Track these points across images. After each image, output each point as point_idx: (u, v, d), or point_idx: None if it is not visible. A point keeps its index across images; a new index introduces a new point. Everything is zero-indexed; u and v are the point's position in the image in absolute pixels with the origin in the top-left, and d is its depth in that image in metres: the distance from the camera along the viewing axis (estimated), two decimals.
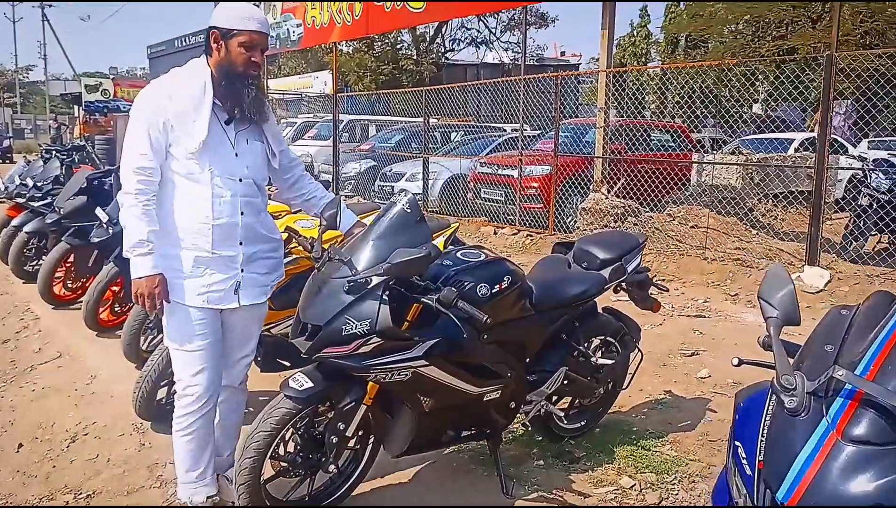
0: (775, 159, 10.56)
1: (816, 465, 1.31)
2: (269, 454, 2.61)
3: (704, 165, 10.10)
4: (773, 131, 13.47)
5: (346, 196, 12.44)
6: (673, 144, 11.07)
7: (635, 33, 28.11)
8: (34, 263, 6.74)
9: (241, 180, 2.67)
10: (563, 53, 36.30)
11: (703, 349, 5.04)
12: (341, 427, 2.68)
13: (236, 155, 2.67)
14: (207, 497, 2.76)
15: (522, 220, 9.55)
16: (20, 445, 3.66)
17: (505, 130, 13.55)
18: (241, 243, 2.70)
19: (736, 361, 1.69)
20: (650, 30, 27.95)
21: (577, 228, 8.87)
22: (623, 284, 3.57)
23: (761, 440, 1.43)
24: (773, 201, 9.93)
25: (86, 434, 3.72)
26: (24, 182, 7.25)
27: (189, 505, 2.77)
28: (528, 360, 3.15)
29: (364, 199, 12.49)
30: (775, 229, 9.07)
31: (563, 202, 9.25)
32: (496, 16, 29.46)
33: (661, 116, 20.26)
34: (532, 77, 10.17)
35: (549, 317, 3.15)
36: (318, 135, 15.65)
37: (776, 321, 1.58)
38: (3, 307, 6.23)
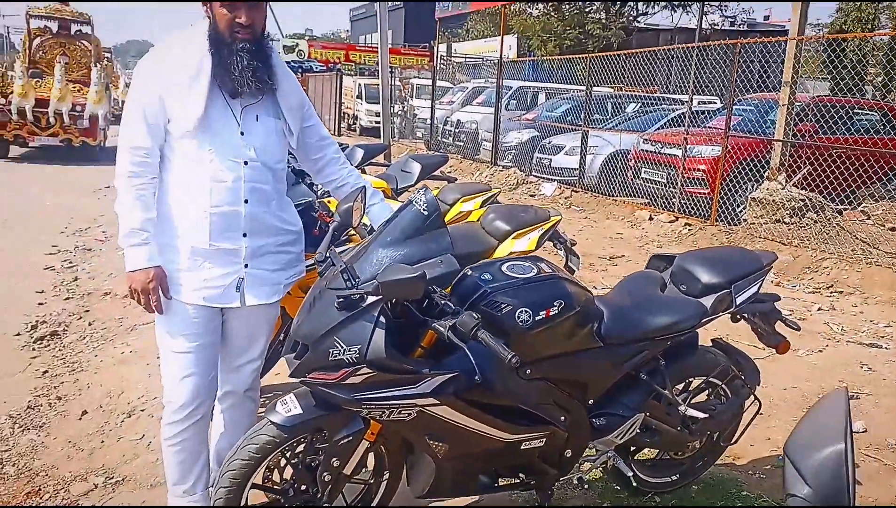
0: None
1: None
2: (253, 483, 2.25)
3: None
4: None
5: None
6: (882, 127, 9.33)
7: None
8: None
9: (246, 164, 2.30)
10: (766, 18, 32.88)
11: (866, 391, 4.02)
12: (335, 464, 2.26)
13: (242, 134, 2.29)
14: None
15: (683, 206, 8.53)
16: (84, 413, 3.64)
17: (683, 103, 12.26)
18: (244, 235, 2.34)
19: None
20: None
21: (745, 220, 7.75)
22: (745, 313, 2.82)
23: None
24: None
25: (142, 410, 3.63)
26: None
27: None
28: (591, 402, 2.54)
29: (522, 171, 11.93)
30: None
31: (733, 190, 8.11)
32: None
33: (886, 91, 17.47)
34: (709, 44, 8.96)
35: (622, 352, 2.50)
36: (487, 101, 15.21)
37: (801, 503, 0.90)
38: None
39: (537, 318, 2.22)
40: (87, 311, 5.24)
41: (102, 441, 3.37)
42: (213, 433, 2.60)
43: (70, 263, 6.54)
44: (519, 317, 2.20)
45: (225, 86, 2.24)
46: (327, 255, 2.27)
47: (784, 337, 2.84)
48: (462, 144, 14.56)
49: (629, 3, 28.29)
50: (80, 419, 3.59)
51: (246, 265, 2.36)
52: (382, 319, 2.03)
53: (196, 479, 2.47)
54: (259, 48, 2.24)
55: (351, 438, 2.24)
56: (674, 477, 2.96)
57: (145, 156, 2.24)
